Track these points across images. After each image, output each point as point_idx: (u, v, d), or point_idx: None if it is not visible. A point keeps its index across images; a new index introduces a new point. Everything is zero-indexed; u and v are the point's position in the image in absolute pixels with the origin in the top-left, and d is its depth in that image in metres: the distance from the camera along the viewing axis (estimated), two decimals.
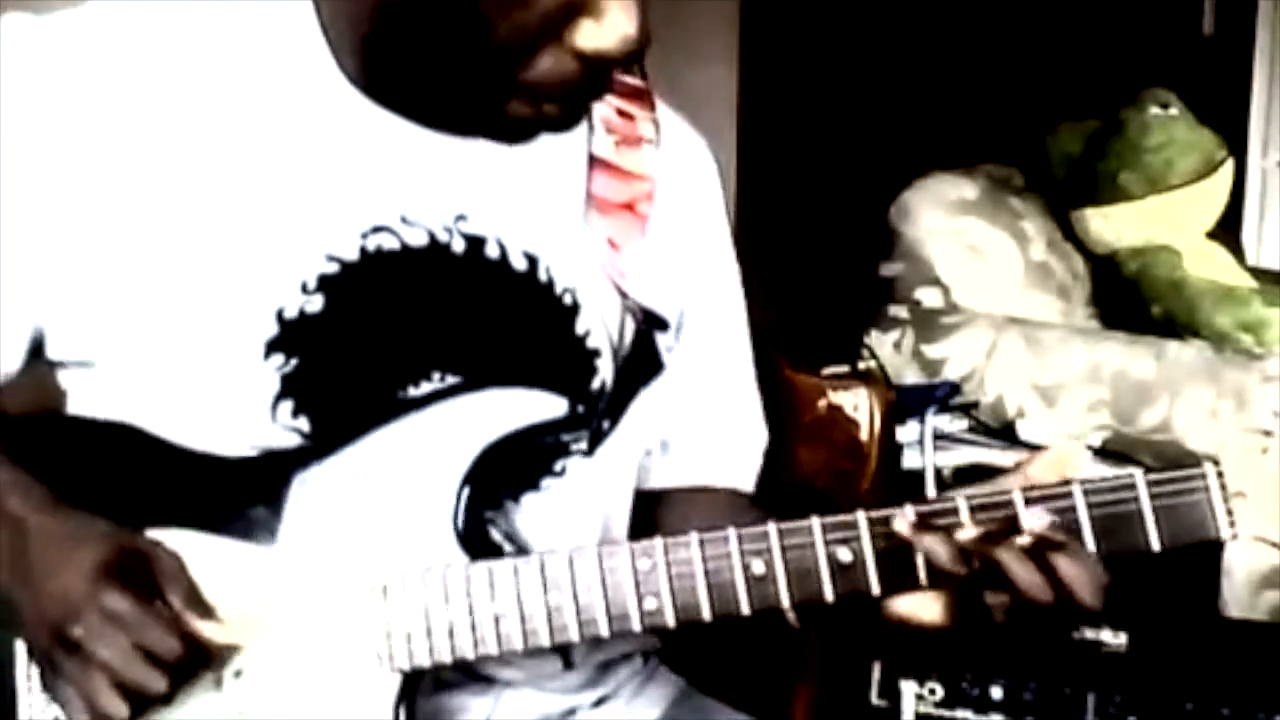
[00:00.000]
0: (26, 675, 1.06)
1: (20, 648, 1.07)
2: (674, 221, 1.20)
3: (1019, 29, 3.48)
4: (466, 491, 1.09)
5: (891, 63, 3.30)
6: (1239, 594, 2.44)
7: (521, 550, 1.11)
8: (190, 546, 1.05)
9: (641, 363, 1.17)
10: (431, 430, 1.09)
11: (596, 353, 1.14)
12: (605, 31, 0.98)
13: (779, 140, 3.11)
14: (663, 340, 1.18)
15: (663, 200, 1.18)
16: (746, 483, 1.29)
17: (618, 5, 0.97)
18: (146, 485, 1.06)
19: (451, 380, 1.09)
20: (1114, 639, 1.92)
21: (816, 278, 3.09)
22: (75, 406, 1.10)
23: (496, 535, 1.11)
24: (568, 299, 1.13)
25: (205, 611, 1.03)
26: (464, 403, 1.10)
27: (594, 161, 1.16)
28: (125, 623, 0.99)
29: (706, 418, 1.27)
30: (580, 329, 1.13)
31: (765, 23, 3.14)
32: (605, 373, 1.14)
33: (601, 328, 1.14)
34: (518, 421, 1.11)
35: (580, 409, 1.14)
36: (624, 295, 1.15)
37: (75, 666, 1.00)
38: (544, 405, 1.12)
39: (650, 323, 1.17)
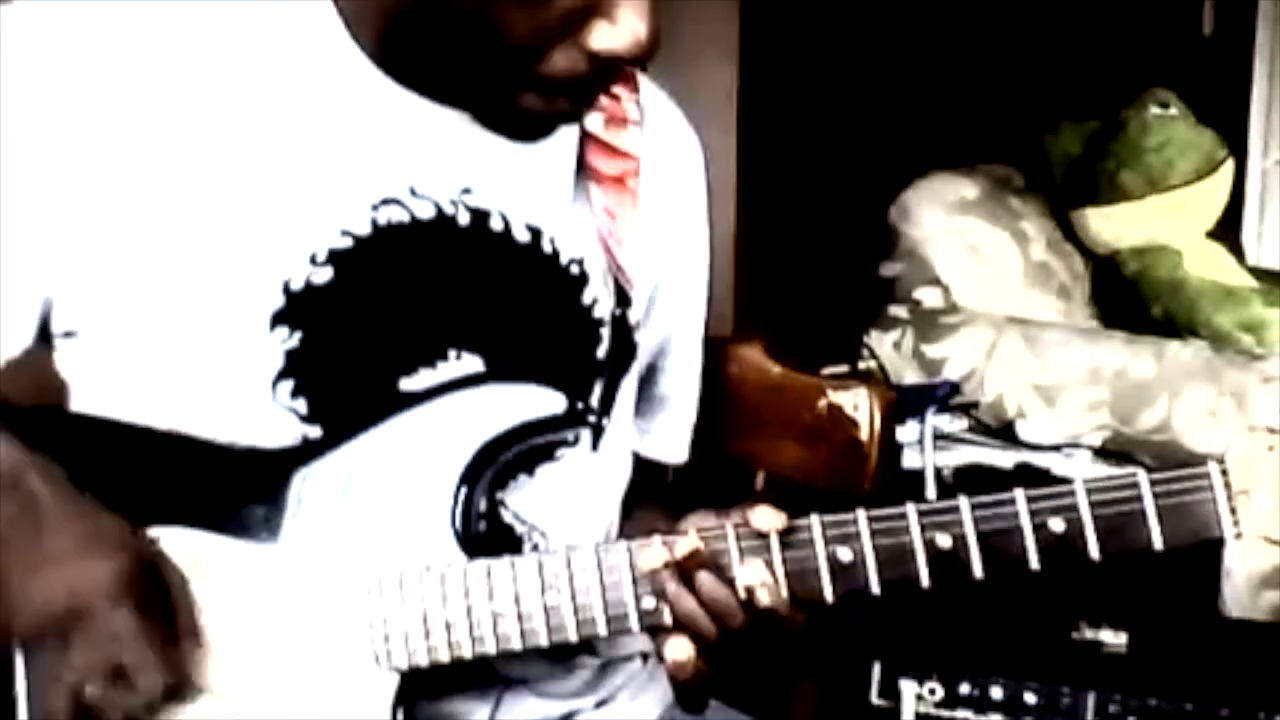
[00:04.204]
0: (24, 672, 1.06)
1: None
2: (657, 200, 1.21)
3: (1019, 29, 3.47)
4: (464, 490, 1.09)
5: (892, 62, 3.29)
6: (1239, 594, 2.44)
7: (532, 528, 1.12)
8: (189, 544, 1.05)
9: (621, 348, 1.18)
10: (429, 427, 1.09)
11: (601, 323, 1.15)
12: (618, 33, 0.99)
13: (779, 140, 3.10)
14: (631, 317, 1.19)
15: (647, 179, 1.20)
16: (678, 456, 1.33)
17: (631, 8, 0.99)
18: (145, 483, 1.06)
19: (466, 357, 1.09)
20: (1114, 639, 1.92)
21: (816, 278, 3.09)
22: (77, 391, 1.10)
23: (507, 516, 1.11)
24: (574, 269, 1.14)
25: (199, 643, 1.04)
26: (462, 398, 1.10)
27: (586, 137, 1.17)
28: (122, 647, 1.00)
29: (658, 393, 1.29)
30: (587, 299, 1.15)
31: (765, 22, 3.13)
32: (607, 346, 1.16)
33: (606, 299, 1.16)
34: (516, 418, 1.11)
35: (579, 405, 1.14)
36: (618, 267, 1.16)
37: (52, 659, 1.01)
38: (543, 401, 1.13)
39: (620, 301, 1.18)
